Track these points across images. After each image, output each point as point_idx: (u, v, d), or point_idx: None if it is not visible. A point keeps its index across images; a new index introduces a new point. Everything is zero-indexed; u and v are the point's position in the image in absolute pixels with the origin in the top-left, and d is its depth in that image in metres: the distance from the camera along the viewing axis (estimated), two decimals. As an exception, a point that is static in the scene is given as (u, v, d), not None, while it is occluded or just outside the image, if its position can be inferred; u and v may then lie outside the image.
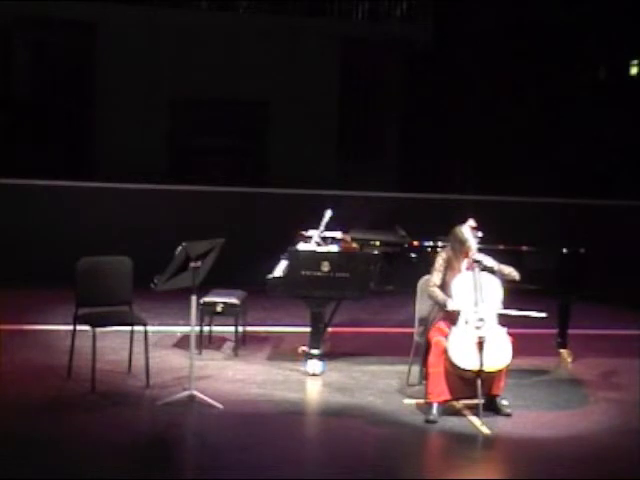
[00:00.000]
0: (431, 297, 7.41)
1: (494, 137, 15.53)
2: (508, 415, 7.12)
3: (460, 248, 7.32)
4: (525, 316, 7.27)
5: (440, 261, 7.45)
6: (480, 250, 7.37)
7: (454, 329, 7.06)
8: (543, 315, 7.26)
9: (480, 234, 7.38)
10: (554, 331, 8.91)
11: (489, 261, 7.33)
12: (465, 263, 7.31)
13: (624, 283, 11.27)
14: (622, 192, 13.38)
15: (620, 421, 7.21)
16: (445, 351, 6.99)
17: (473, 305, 7.07)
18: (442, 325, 7.22)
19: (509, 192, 12.89)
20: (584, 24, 15.79)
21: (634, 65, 16.89)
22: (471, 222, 7.37)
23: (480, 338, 6.94)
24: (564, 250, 8.58)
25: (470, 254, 7.24)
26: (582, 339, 9.27)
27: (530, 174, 14.85)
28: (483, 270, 7.22)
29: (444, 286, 7.36)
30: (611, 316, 10.99)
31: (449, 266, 7.39)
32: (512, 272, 7.43)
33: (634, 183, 13.96)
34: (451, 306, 7.19)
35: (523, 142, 15.60)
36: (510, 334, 7.11)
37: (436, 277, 7.41)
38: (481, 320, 7.02)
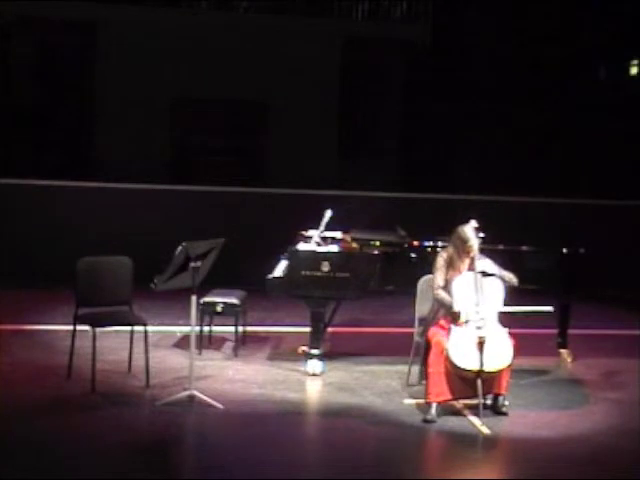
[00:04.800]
0: (437, 300, 7.36)
1: (494, 137, 15.53)
2: (504, 414, 7.11)
3: (462, 247, 7.32)
4: (532, 311, 7.24)
5: (441, 261, 7.41)
6: (481, 251, 7.39)
7: (455, 328, 7.06)
8: (549, 309, 7.22)
9: (482, 235, 7.39)
10: (554, 331, 8.92)
11: (491, 268, 7.33)
12: (467, 263, 7.32)
13: (624, 283, 11.28)
14: (622, 192, 13.36)
15: (620, 421, 7.21)
16: (445, 351, 6.99)
17: (474, 305, 7.08)
18: (443, 322, 7.22)
19: (509, 192, 12.89)
20: (584, 24, 15.78)
21: (634, 65, 16.89)
22: (473, 223, 7.38)
23: (480, 338, 6.94)
24: (564, 250, 8.58)
25: (472, 254, 7.25)
26: (582, 339, 9.27)
27: (530, 174, 14.84)
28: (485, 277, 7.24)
29: (446, 285, 7.35)
30: (611, 316, 11.00)
31: (450, 265, 7.39)
32: (512, 278, 7.40)
33: (634, 183, 13.95)
34: (457, 308, 7.17)
35: (523, 142, 15.59)
36: (512, 335, 7.11)
37: (439, 278, 7.36)
38: (482, 320, 7.02)
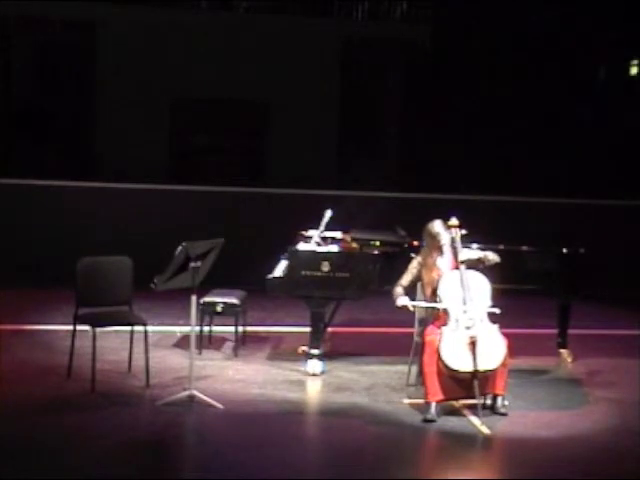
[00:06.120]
0: (392, 293, 7.50)
1: (494, 137, 15.52)
2: (503, 415, 7.11)
3: (432, 243, 7.38)
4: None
5: (414, 263, 7.57)
6: (465, 247, 7.40)
7: (445, 329, 7.05)
8: (497, 310, 7.18)
9: (464, 232, 7.39)
10: (554, 331, 8.92)
11: (472, 253, 7.36)
12: (443, 259, 7.34)
13: (624, 283, 11.28)
14: (622, 192, 13.36)
15: (620, 421, 7.22)
16: (437, 352, 6.97)
17: (462, 304, 7.07)
18: (432, 328, 7.23)
19: (509, 192, 12.89)
20: (584, 24, 15.78)
21: (634, 65, 16.88)
22: (453, 220, 7.39)
23: (472, 338, 6.93)
24: (564, 250, 8.58)
25: (444, 249, 7.28)
26: (582, 339, 9.27)
27: (530, 174, 14.83)
28: (470, 267, 7.23)
29: (423, 285, 7.50)
30: (611, 316, 11.00)
31: (425, 264, 7.45)
32: (495, 257, 7.47)
33: (634, 183, 13.95)
34: (400, 302, 7.32)
35: (523, 142, 15.59)
36: (506, 333, 7.10)
37: (404, 278, 7.54)
38: (471, 319, 7.01)
